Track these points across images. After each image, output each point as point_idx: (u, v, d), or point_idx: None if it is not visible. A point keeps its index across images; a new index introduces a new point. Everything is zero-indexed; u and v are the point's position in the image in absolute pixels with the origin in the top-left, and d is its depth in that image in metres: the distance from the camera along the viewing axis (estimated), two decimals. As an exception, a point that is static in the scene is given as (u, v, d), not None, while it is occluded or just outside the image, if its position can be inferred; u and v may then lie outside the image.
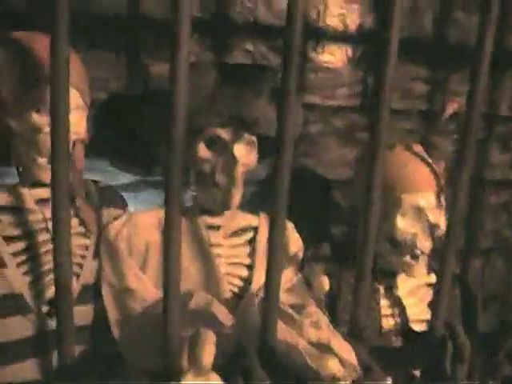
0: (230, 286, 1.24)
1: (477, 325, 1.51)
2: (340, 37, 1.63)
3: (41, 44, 1.08)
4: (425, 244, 1.34)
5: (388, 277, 1.41)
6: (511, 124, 1.86)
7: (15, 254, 1.13)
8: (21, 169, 1.18)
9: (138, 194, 1.49)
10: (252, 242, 1.31)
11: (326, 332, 1.03)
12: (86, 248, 1.22)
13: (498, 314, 1.80)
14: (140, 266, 1.22)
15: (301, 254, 1.40)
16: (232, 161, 1.20)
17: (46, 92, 1.06)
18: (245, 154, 1.22)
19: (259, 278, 1.21)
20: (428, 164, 1.37)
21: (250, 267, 1.28)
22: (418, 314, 1.39)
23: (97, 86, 1.33)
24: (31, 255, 1.14)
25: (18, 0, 1.32)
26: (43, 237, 1.16)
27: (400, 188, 1.33)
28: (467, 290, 1.51)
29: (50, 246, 1.13)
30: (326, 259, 1.47)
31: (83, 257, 1.20)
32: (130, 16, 1.40)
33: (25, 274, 1.13)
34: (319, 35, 1.61)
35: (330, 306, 1.34)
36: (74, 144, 1.15)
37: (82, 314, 1.16)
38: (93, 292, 1.20)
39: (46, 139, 1.09)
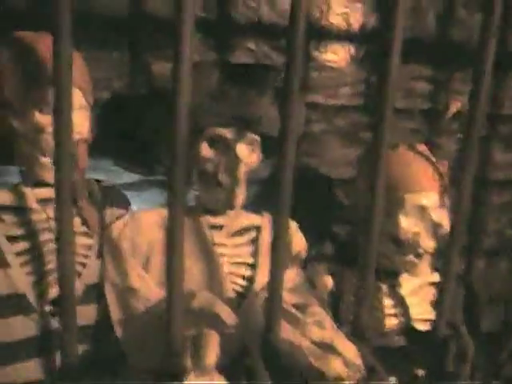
0: (233, 285, 1.24)
1: (480, 325, 1.51)
2: (343, 36, 1.63)
3: (43, 44, 1.08)
4: (428, 243, 1.34)
5: (391, 276, 1.40)
6: (514, 123, 1.85)
7: (18, 254, 1.13)
8: (23, 168, 1.18)
9: (141, 193, 1.49)
10: (255, 241, 1.31)
11: (330, 332, 1.03)
12: (89, 247, 1.22)
13: (501, 314, 1.80)
14: (143, 265, 1.22)
15: (304, 254, 1.40)
16: (235, 160, 1.20)
17: (48, 92, 1.06)
18: (248, 153, 1.22)
19: (262, 278, 1.20)
20: (431, 163, 1.37)
21: (253, 267, 1.28)
22: (421, 314, 1.38)
23: (100, 86, 1.33)
24: (34, 255, 1.14)
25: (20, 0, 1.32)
26: (46, 236, 1.16)
27: (403, 187, 1.32)
28: (471, 290, 1.51)
29: (52, 246, 1.13)
30: (329, 259, 1.47)
31: (86, 256, 1.20)
32: (133, 15, 1.40)
33: (28, 273, 1.13)
34: (322, 34, 1.60)
35: (333, 305, 1.34)
36: (77, 144, 1.15)
37: (85, 313, 1.16)
38: (96, 291, 1.20)
39: (48, 139, 1.09)
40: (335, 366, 0.95)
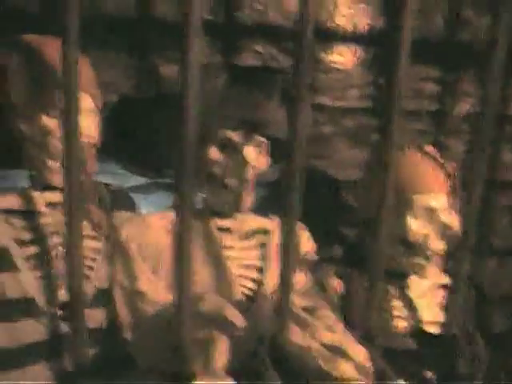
0: (241, 288, 1.24)
1: (490, 325, 1.50)
2: (349, 38, 1.63)
3: (51, 47, 1.08)
4: (437, 245, 1.33)
5: (400, 278, 1.40)
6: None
7: (27, 258, 1.13)
8: (32, 172, 1.19)
9: (148, 196, 1.50)
10: (264, 244, 1.31)
11: (340, 335, 1.03)
12: (98, 251, 1.22)
13: (511, 315, 1.79)
14: (151, 268, 1.22)
15: (313, 256, 1.40)
16: (243, 163, 1.20)
17: (55, 95, 1.07)
18: (255, 156, 1.22)
19: (271, 281, 1.20)
20: (440, 165, 1.36)
21: (262, 269, 1.27)
22: (431, 316, 1.38)
23: (108, 89, 1.33)
24: (43, 259, 1.15)
25: (30, 2, 1.33)
26: (55, 240, 1.16)
27: (412, 189, 1.32)
28: (481, 291, 1.50)
29: (61, 250, 1.14)
30: (338, 261, 1.46)
31: (95, 260, 1.21)
32: (141, 18, 1.41)
33: (37, 277, 1.13)
34: (328, 36, 1.60)
35: (343, 308, 1.34)
36: (85, 147, 1.15)
37: (94, 316, 1.17)
38: (104, 295, 1.20)
39: (56, 143, 1.09)
40: (345, 370, 0.95)
